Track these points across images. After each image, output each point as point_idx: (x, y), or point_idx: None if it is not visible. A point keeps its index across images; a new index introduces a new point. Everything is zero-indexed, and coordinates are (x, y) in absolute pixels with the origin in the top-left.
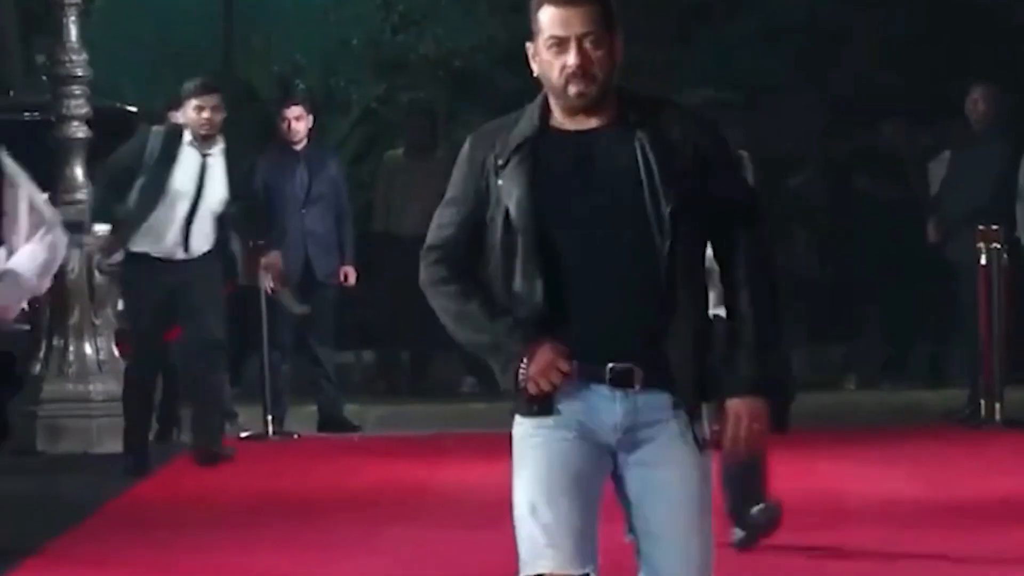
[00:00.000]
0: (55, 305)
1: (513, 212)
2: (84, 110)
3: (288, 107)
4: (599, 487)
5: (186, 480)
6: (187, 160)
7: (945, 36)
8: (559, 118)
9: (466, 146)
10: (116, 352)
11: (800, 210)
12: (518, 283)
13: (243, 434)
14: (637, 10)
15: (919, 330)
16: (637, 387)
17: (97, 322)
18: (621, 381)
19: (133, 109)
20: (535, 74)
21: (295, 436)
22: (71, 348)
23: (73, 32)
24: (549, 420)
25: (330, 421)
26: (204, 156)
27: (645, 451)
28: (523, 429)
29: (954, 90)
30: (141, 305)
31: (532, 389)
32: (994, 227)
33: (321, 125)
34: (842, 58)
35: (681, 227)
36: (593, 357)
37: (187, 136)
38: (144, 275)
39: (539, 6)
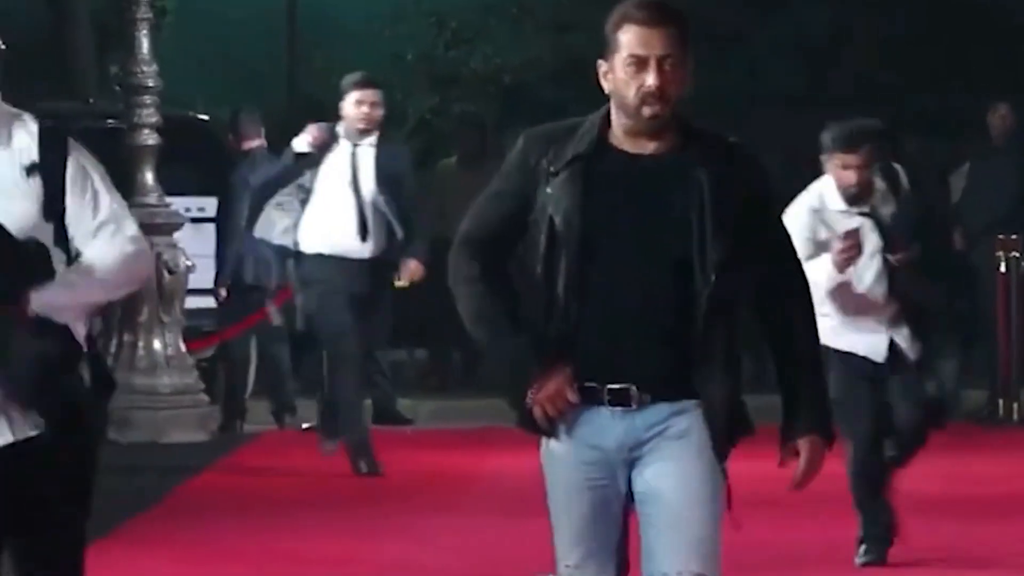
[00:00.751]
0: (126, 303)
1: (559, 224)
2: (154, 119)
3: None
4: (619, 508)
5: (248, 469)
6: (339, 155)
7: (945, 37)
8: (619, 137)
9: (520, 144)
10: (183, 348)
11: None
12: (560, 294)
13: (304, 425)
14: None
15: (944, 334)
16: (634, 406)
17: (165, 319)
18: (619, 401)
19: (205, 118)
20: (607, 91)
21: None
22: (140, 344)
23: (145, 46)
24: (565, 449)
25: (384, 414)
26: (355, 147)
27: (649, 454)
28: (545, 452)
29: (969, 104)
30: (325, 303)
31: (537, 414)
32: (1013, 236)
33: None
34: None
35: (724, 272)
36: (604, 379)
37: (339, 131)
38: (322, 273)
39: (620, 24)
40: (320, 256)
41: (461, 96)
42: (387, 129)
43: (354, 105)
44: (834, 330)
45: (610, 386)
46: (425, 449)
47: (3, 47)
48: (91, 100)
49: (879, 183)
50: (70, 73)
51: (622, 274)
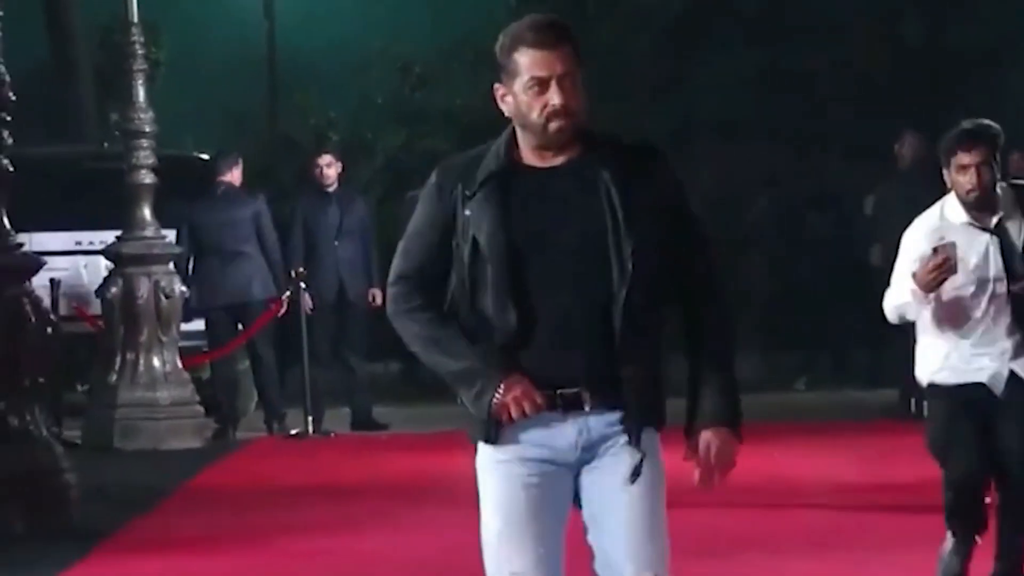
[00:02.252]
0: (128, 324)
1: (483, 242)
2: (151, 160)
3: (320, 155)
4: (564, 513)
5: (241, 471)
6: None
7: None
8: (527, 154)
9: (432, 178)
10: (179, 364)
11: (755, 238)
12: (490, 310)
13: (292, 431)
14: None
15: (859, 339)
16: (587, 408)
17: (163, 339)
18: (571, 405)
19: (205, 157)
20: (507, 114)
21: (332, 434)
22: (141, 361)
23: (141, 94)
24: (509, 449)
25: (362, 421)
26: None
27: (598, 460)
28: (485, 458)
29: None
30: None
31: (507, 416)
32: None
33: (351, 170)
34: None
35: (641, 264)
36: (549, 383)
37: None
38: None
39: (513, 49)
40: None
41: (426, 134)
42: (359, 164)
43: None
44: (944, 358)
45: (561, 391)
46: (400, 452)
47: (14, 98)
48: (105, 144)
49: (1006, 197)
50: (74, 119)
51: (549, 282)
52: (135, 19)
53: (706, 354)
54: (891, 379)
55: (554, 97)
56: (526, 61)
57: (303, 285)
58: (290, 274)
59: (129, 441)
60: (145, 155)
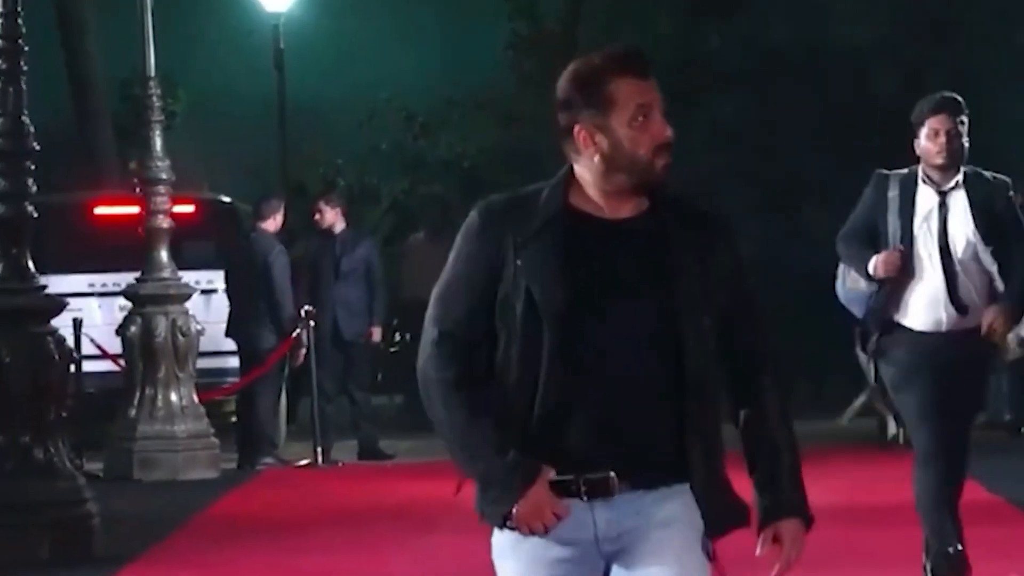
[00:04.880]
0: (146, 361)
1: (539, 296)
2: (167, 206)
3: (318, 200)
4: None
5: (255, 499)
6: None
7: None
8: (588, 201)
9: (475, 220)
10: (196, 399)
11: None
12: (544, 372)
13: (300, 463)
14: None
15: (836, 369)
16: (616, 494)
17: (180, 375)
18: (598, 492)
19: (227, 200)
20: (589, 156)
21: (340, 464)
22: (159, 396)
23: (158, 144)
24: (536, 544)
25: (368, 452)
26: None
27: (634, 544)
28: (503, 543)
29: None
30: None
31: (523, 531)
32: None
33: (358, 213)
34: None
35: (707, 346)
36: (581, 464)
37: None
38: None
39: (605, 80)
40: None
41: (428, 179)
42: (366, 208)
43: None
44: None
45: (587, 476)
46: (405, 480)
47: (38, 148)
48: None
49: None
50: (94, 167)
51: (603, 350)
52: (152, 73)
53: (775, 441)
54: (867, 408)
55: (666, 129)
56: (628, 90)
57: (312, 323)
58: (299, 313)
59: (148, 472)
60: (162, 201)
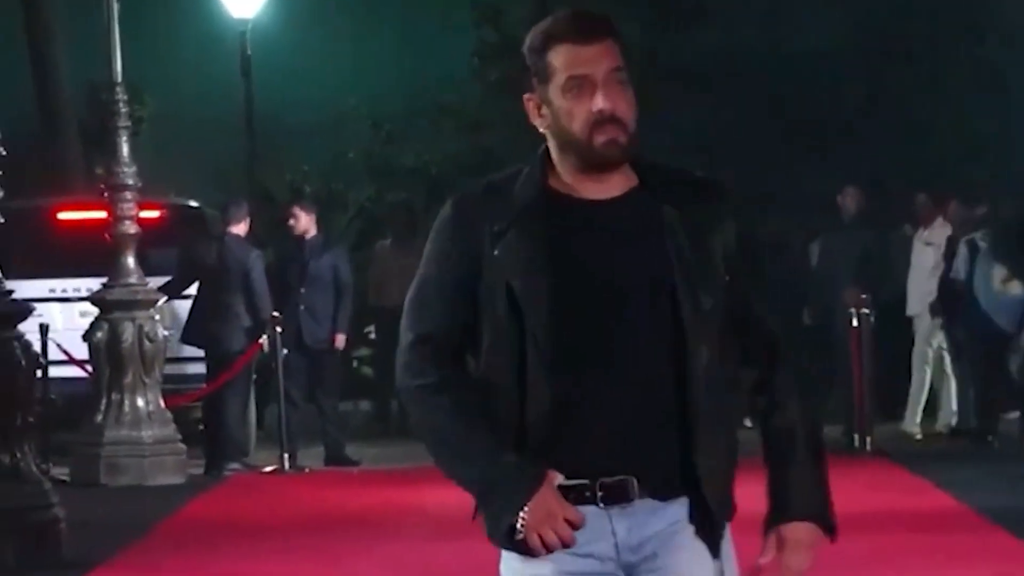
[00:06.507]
0: (113, 367)
1: (519, 290)
2: (133, 212)
3: (291, 206)
4: None
5: (222, 505)
6: None
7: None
8: (567, 182)
9: (448, 211)
10: (162, 404)
11: None
12: (530, 376)
13: (266, 469)
14: None
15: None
16: (634, 499)
17: (147, 381)
18: (616, 497)
19: (196, 204)
20: (541, 129)
21: (307, 470)
22: (126, 401)
23: (125, 150)
24: (550, 560)
25: (334, 458)
26: None
27: (658, 554)
28: (512, 566)
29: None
30: None
31: (535, 544)
32: (863, 296)
33: (325, 220)
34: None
35: (718, 323)
36: (590, 469)
37: None
38: None
39: (546, 47)
40: None
41: (394, 186)
42: (332, 215)
43: None
44: None
45: (603, 480)
46: (372, 486)
47: (4, 153)
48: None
49: None
50: (60, 172)
51: (602, 340)
52: (119, 79)
53: (791, 434)
54: (835, 416)
55: (599, 100)
56: (563, 58)
57: (279, 329)
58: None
59: (115, 477)
60: (128, 207)
